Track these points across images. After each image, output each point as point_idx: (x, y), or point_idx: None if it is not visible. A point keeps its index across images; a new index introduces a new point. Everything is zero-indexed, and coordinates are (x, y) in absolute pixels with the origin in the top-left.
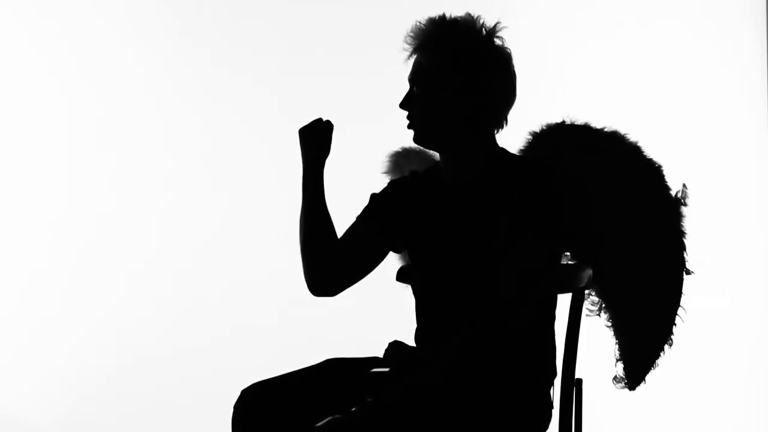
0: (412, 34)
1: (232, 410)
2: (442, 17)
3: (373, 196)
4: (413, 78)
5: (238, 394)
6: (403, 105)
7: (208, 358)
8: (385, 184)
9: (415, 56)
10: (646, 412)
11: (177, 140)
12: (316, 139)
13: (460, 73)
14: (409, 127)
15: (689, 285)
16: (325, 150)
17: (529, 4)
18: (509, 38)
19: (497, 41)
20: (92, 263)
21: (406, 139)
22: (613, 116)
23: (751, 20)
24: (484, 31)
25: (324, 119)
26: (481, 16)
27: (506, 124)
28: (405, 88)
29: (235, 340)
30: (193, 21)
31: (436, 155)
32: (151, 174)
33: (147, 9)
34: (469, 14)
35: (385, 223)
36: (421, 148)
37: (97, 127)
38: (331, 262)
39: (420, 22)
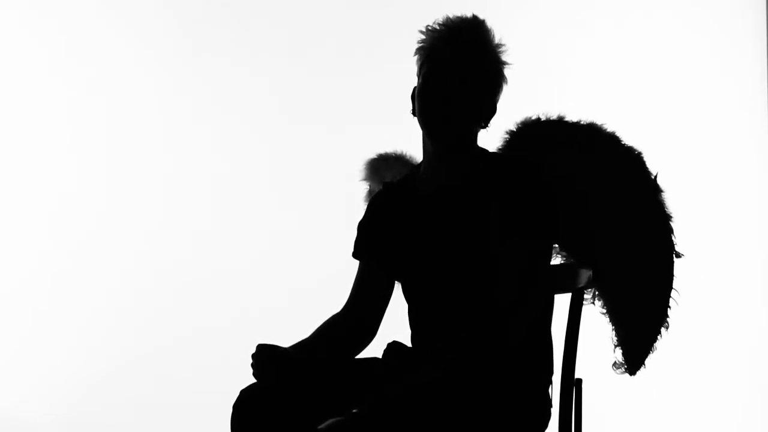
0: (443, 27)
1: (231, 410)
2: (475, 18)
3: (360, 226)
4: (463, 71)
5: (238, 393)
6: (448, 97)
7: (208, 358)
8: (365, 209)
9: (448, 48)
10: (646, 411)
11: (176, 140)
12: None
13: (501, 76)
14: (443, 119)
15: (689, 285)
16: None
17: (529, 4)
18: (509, 38)
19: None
20: (92, 263)
21: (402, 139)
22: (613, 116)
23: (751, 20)
24: (498, 38)
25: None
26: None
27: None
28: (404, 88)
29: (235, 339)
30: (194, 21)
31: (417, 159)
32: (151, 173)
33: (147, 9)
34: (482, 18)
35: (378, 253)
36: (399, 153)
37: (95, 127)
38: (356, 341)
39: (451, 18)
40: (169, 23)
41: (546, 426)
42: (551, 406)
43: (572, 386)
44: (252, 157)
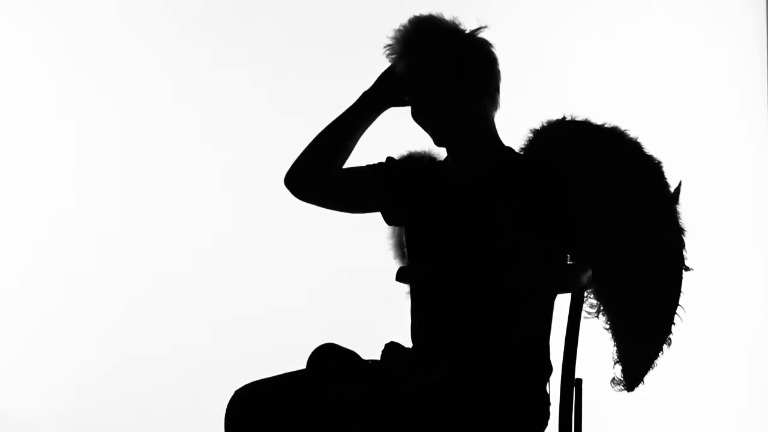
0: (396, 41)
1: (225, 410)
2: (418, 19)
3: (389, 159)
4: (412, 87)
5: (232, 393)
6: (416, 115)
7: (204, 358)
8: (404, 154)
9: (404, 62)
10: (646, 412)
11: (176, 140)
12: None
13: (456, 73)
14: (433, 136)
15: (689, 284)
16: (392, 93)
17: (529, 4)
18: (510, 38)
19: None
20: (91, 263)
21: (407, 139)
22: (613, 115)
23: (751, 20)
24: (458, 24)
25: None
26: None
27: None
28: None
29: (231, 340)
30: (193, 21)
31: (443, 155)
32: (150, 173)
33: (147, 9)
34: (420, 16)
35: (386, 186)
36: (427, 151)
37: (95, 127)
38: (325, 171)
39: (401, 29)
40: (169, 23)
41: (546, 425)
42: (549, 405)
43: (572, 386)
44: (252, 157)
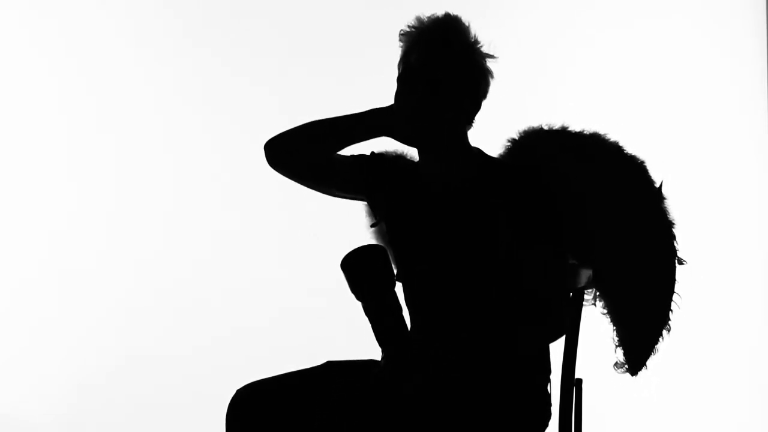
0: (413, 29)
1: (226, 410)
2: (446, 17)
3: (373, 154)
4: (416, 75)
5: (233, 393)
6: (403, 102)
7: (205, 358)
8: (395, 153)
9: (416, 52)
10: (647, 412)
11: (177, 141)
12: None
13: (478, 73)
14: (416, 127)
15: (690, 284)
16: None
17: (528, 5)
18: (509, 39)
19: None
20: (92, 263)
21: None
22: (613, 117)
23: (751, 20)
24: (474, 35)
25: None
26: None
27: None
28: None
29: (232, 340)
30: (193, 21)
31: (416, 157)
32: (151, 174)
33: (147, 9)
34: (456, 15)
35: (372, 180)
36: (400, 152)
37: (96, 128)
38: (309, 155)
39: (422, 19)
40: (169, 23)
41: (546, 425)
42: (551, 405)
43: (572, 386)
44: (252, 157)
